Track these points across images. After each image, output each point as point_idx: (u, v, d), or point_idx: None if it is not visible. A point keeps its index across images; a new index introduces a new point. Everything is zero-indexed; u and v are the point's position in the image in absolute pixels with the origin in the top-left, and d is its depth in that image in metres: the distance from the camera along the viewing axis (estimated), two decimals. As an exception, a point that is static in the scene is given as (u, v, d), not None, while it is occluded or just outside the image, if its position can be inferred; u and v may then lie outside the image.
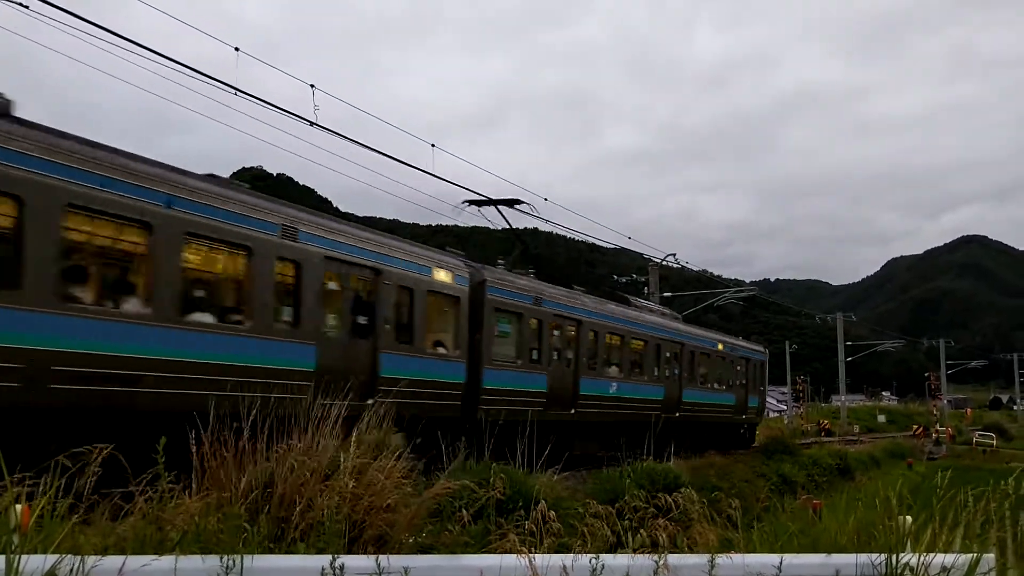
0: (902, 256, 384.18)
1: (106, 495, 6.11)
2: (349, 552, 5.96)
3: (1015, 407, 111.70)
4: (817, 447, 32.46)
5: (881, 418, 79.84)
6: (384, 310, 15.15)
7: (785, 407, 76.83)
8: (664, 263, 39.54)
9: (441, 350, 17.04)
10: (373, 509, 6.68)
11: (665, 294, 41.62)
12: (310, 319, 13.49)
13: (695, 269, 54.71)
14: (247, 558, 4.97)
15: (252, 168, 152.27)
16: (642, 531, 7.67)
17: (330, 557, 4.96)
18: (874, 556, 5.96)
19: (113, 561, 4.78)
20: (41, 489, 5.14)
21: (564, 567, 5.41)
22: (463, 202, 22.32)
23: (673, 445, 17.82)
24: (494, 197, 22.84)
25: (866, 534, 6.85)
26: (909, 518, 6.50)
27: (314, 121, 17.22)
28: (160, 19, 15.83)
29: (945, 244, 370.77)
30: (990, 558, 6.16)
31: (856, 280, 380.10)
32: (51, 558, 4.59)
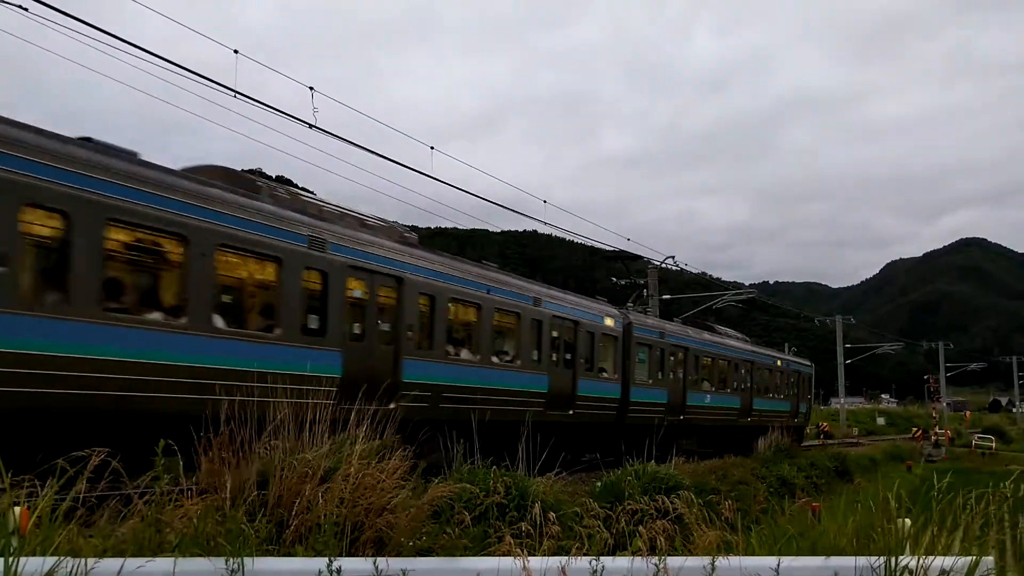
0: (901, 259, 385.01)
1: (115, 497, 6.12)
2: (349, 554, 5.96)
3: (1014, 410, 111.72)
4: (819, 450, 32.44)
5: (880, 420, 79.78)
6: (581, 348, 21.85)
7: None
8: (663, 266, 39.59)
9: (604, 374, 23.33)
10: (372, 510, 6.67)
11: (664, 296, 41.65)
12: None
13: (694, 272, 54.82)
14: (245, 560, 4.98)
15: (252, 170, 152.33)
16: (640, 528, 7.66)
17: (327, 560, 4.97)
18: (873, 559, 5.96)
19: (112, 563, 4.78)
20: (46, 492, 5.15)
21: (562, 569, 5.41)
22: (600, 257, 29.70)
23: (746, 443, 24.01)
24: (493, 200, 23.35)
25: (865, 537, 6.84)
26: (908, 521, 6.50)
27: (313, 124, 17.26)
28: (160, 22, 15.87)
29: (944, 247, 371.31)
30: (989, 561, 6.16)
31: (855, 283, 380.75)
32: (50, 560, 4.59)
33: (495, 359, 18.52)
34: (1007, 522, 6.72)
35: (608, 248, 34.91)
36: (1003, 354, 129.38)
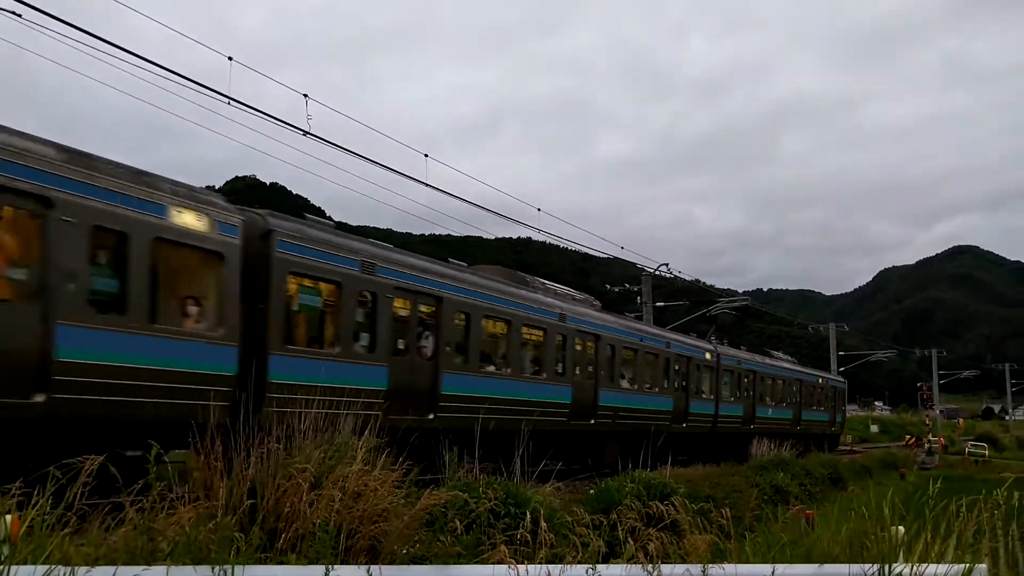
0: (894, 266, 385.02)
1: (107, 504, 6.10)
2: (342, 562, 5.93)
3: (1007, 417, 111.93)
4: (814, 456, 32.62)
5: (874, 428, 79.80)
6: (691, 377, 29.62)
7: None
8: (657, 272, 39.66)
9: (704, 395, 30.41)
10: (365, 518, 6.65)
11: (658, 304, 41.68)
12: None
13: (688, 279, 54.82)
14: (238, 569, 4.95)
15: (245, 177, 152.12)
16: (630, 541, 7.65)
17: (323, 568, 4.95)
18: (867, 566, 5.96)
19: (103, 572, 4.76)
20: (41, 500, 5.12)
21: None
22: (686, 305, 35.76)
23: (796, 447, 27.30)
24: (487, 207, 23.45)
25: (859, 544, 6.84)
26: (902, 528, 6.51)
27: (307, 131, 17.26)
28: (155, 29, 15.89)
29: (937, 254, 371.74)
30: (982, 568, 6.17)
31: (849, 290, 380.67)
32: (41, 569, 4.56)
33: (629, 384, 25.29)
34: (1000, 530, 6.73)
35: (602, 255, 35.09)
36: (996, 361, 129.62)
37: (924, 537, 6.48)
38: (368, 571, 4.99)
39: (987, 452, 47.13)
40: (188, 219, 11.79)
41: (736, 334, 58.23)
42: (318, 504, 6.39)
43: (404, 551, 6.68)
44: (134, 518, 5.71)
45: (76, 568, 4.67)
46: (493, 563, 6.11)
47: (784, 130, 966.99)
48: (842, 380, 52.71)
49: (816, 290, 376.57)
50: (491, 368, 18.52)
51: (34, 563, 4.65)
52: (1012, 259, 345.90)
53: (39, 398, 9.66)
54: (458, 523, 7.53)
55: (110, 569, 4.79)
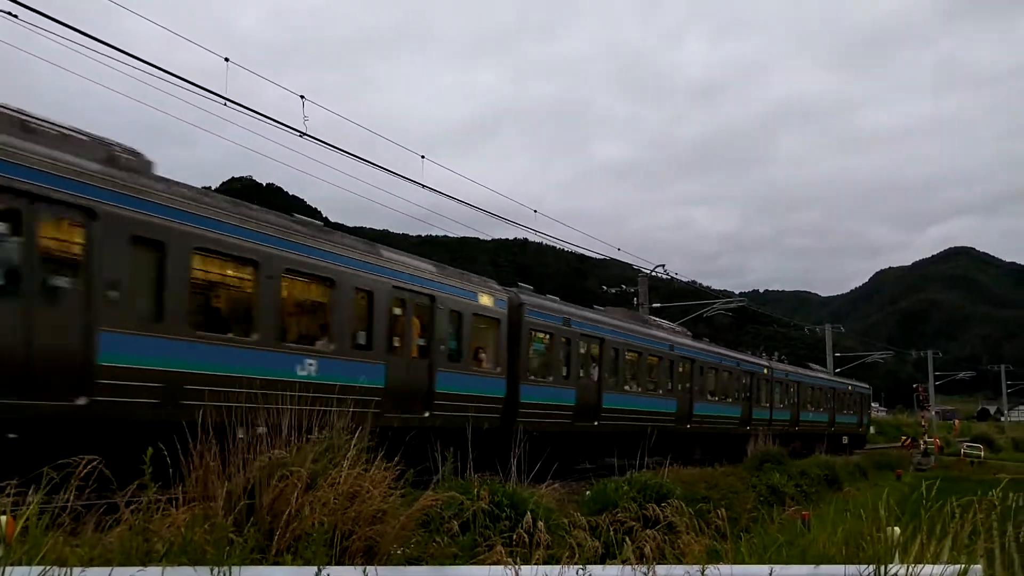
0: (890, 268, 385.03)
1: (103, 505, 6.09)
2: (338, 563, 5.93)
3: (1003, 418, 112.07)
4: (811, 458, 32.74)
5: (870, 429, 79.83)
6: (753, 389, 36.27)
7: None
8: (653, 274, 39.64)
9: (764, 404, 37.34)
10: (361, 519, 6.63)
11: (655, 305, 41.68)
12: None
13: (684, 280, 54.82)
14: (234, 569, 4.94)
15: (242, 178, 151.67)
16: (628, 541, 7.65)
17: (316, 569, 4.93)
18: (863, 567, 5.97)
19: (99, 573, 4.74)
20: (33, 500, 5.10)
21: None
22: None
23: (831, 445, 36.93)
24: (484, 208, 23.61)
25: (855, 545, 6.85)
26: (897, 529, 6.51)
27: (304, 132, 17.24)
28: (151, 29, 15.87)
29: (933, 256, 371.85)
30: (977, 569, 6.17)
31: (845, 291, 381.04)
32: (36, 570, 4.55)
33: (712, 397, 32.57)
34: (996, 530, 6.74)
35: (598, 256, 35.20)
36: (992, 362, 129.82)
37: (920, 538, 6.49)
38: (364, 572, 4.98)
39: (983, 453, 47.21)
40: (485, 300, 18.94)
41: (733, 335, 58.26)
42: (314, 503, 6.36)
43: (400, 551, 6.66)
44: (129, 519, 5.69)
45: (71, 569, 4.65)
46: (490, 564, 6.11)
47: (781, 133, 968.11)
48: (867, 387, 59.80)
49: (813, 291, 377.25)
50: (629, 387, 25.68)
51: (29, 564, 4.64)
52: (1008, 260, 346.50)
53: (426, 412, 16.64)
54: (454, 523, 7.53)
55: (105, 570, 4.78)
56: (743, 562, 7.05)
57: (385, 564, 6.01)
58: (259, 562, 5.74)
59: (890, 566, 6.00)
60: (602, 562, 7.25)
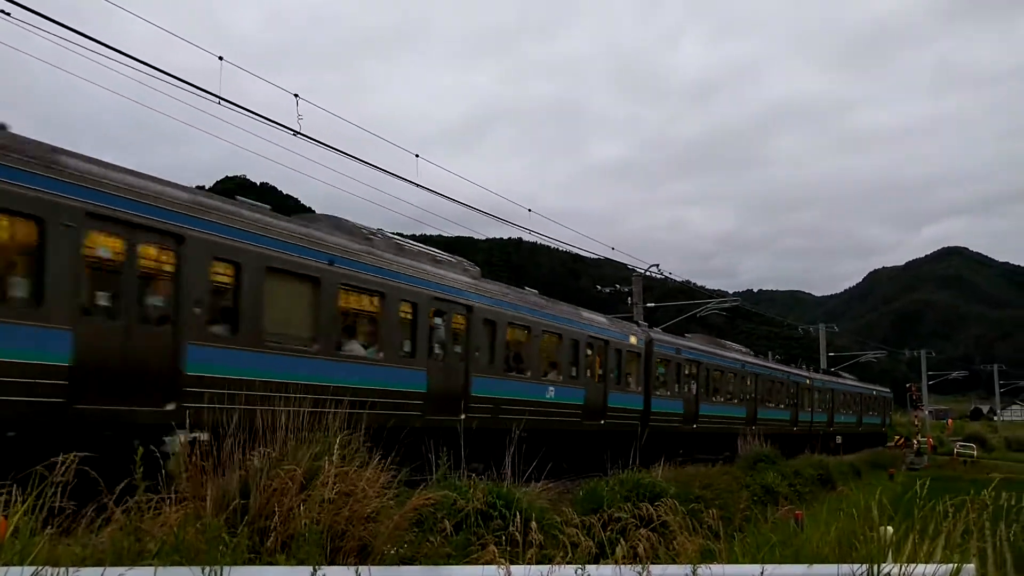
0: (884, 267, 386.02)
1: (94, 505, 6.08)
2: (331, 563, 5.91)
3: (995, 418, 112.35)
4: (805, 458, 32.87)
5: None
6: (800, 396, 44.18)
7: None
8: (647, 274, 39.64)
9: (809, 408, 45.12)
10: (355, 518, 6.62)
11: (648, 304, 41.69)
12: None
13: (678, 280, 54.91)
14: (226, 569, 4.93)
15: (236, 177, 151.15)
16: (622, 540, 7.64)
17: (310, 569, 4.92)
18: (856, 566, 5.98)
19: (91, 572, 4.73)
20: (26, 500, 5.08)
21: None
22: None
23: (859, 444, 44.92)
24: (478, 207, 23.41)
25: (848, 544, 6.86)
26: (890, 528, 6.52)
27: (298, 131, 17.19)
28: (145, 28, 15.79)
29: (927, 256, 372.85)
30: (970, 568, 6.19)
31: (839, 291, 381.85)
32: (28, 570, 4.53)
33: (771, 404, 39.50)
34: (988, 530, 6.75)
35: (592, 256, 35.22)
36: (985, 362, 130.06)
37: (912, 537, 6.50)
38: (357, 571, 4.97)
39: (975, 452, 47.33)
40: (632, 340, 26.21)
41: (727, 335, 58.35)
42: (308, 503, 6.35)
43: (393, 551, 6.65)
44: (120, 519, 5.68)
45: (63, 568, 4.63)
46: (483, 563, 6.10)
47: (779, 133, 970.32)
48: (889, 391, 68.03)
49: (807, 291, 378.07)
50: (716, 398, 32.90)
51: (21, 564, 4.62)
52: (1001, 260, 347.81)
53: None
54: (447, 523, 7.51)
55: (97, 570, 4.76)
56: (737, 561, 7.06)
57: (378, 564, 5.99)
58: (252, 562, 5.72)
59: (883, 565, 6.01)
60: (596, 561, 7.24)
